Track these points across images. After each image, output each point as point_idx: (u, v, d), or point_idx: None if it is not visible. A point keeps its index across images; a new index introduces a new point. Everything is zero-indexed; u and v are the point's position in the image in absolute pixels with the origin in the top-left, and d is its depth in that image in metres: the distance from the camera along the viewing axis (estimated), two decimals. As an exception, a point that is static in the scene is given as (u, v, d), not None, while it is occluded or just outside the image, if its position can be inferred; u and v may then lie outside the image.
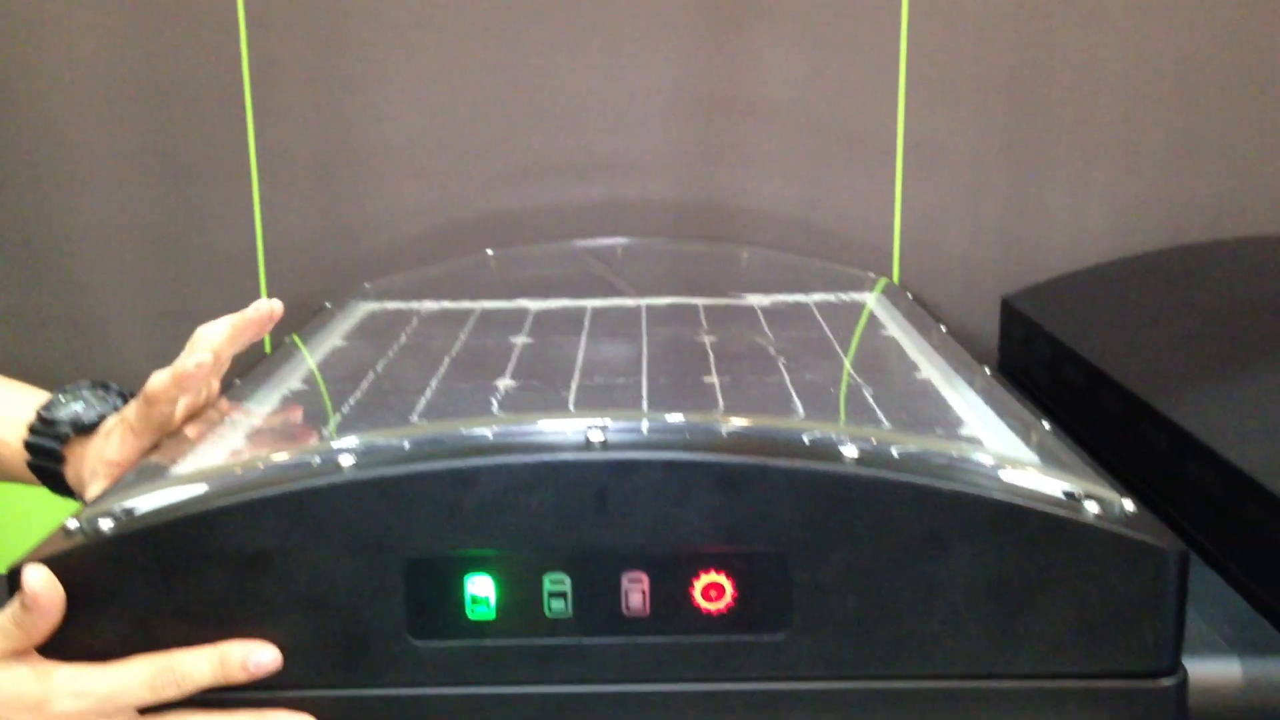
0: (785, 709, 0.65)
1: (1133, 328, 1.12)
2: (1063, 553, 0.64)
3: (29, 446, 0.84)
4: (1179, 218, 1.27)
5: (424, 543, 0.63)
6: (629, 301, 1.22)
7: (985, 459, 0.67)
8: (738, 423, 0.69)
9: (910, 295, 1.22)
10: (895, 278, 1.30)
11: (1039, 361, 1.18)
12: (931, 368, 0.96)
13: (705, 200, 1.31)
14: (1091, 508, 0.65)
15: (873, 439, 0.67)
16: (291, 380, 0.93)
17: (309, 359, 0.99)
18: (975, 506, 0.63)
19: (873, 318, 1.14)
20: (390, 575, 0.64)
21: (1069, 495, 0.66)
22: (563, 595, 0.64)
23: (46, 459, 0.84)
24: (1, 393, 0.90)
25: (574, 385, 0.82)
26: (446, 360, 0.93)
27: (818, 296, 1.22)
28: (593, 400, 0.78)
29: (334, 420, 0.78)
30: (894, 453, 0.66)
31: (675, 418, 0.69)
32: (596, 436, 0.65)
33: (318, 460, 0.66)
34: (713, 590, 0.64)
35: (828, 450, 0.65)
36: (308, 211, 1.29)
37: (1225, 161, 1.27)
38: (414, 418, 0.76)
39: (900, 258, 1.29)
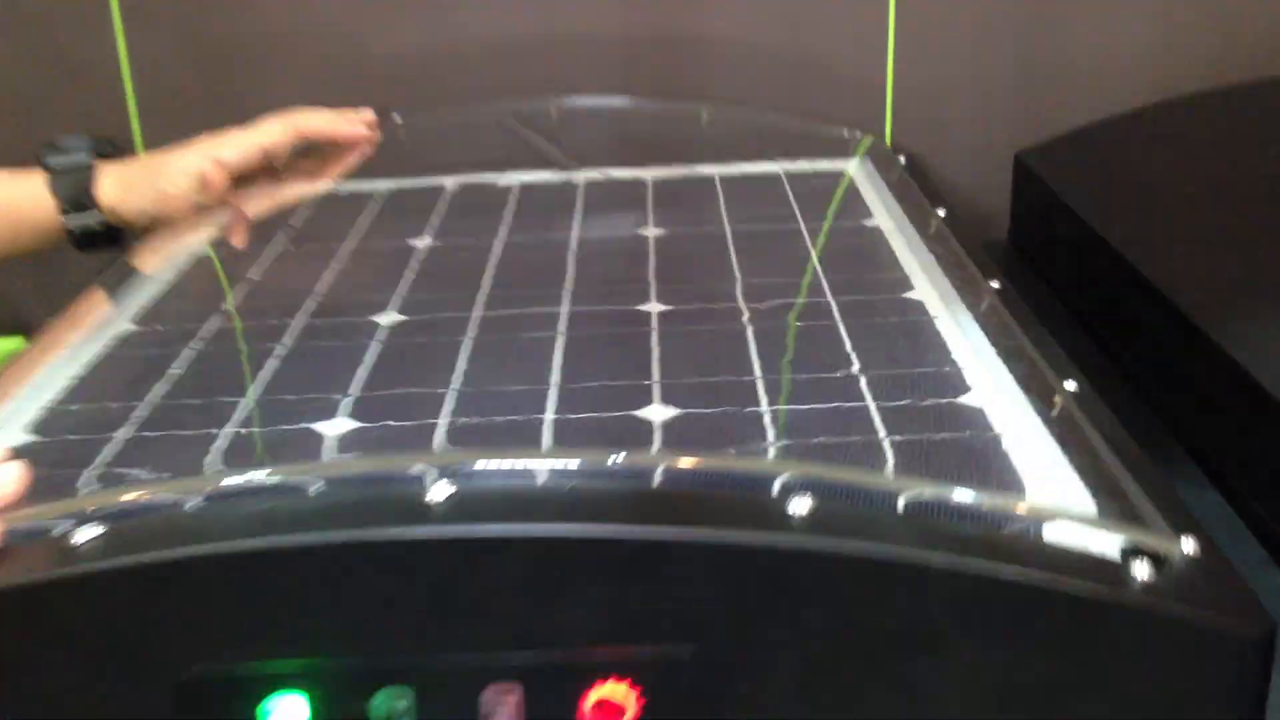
0: None
1: (1167, 200, 0.91)
2: (1100, 646, 0.45)
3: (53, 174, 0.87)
4: (1221, 55, 1.05)
5: (202, 656, 0.45)
6: (563, 177, 1.02)
7: (989, 505, 0.48)
8: (646, 469, 0.49)
9: (904, 159, 1.01)
10: (888, 133, 1.08)
11: (1054, 237, 0.98)
12: (925, 281, 0.76)
13: (661, 38, 1.09)
14: (1140, 571, 0.46)
15: (826, 477, 0.48)
16: (119, 322, 0.74)
17: (145, 289, 0.79)
18: (977, 589, 0.45)
19: (854, 195, 0.94)
20: (156, 702, 0.46)
21: (1110, 559, 0.47)
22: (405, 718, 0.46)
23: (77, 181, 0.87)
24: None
25: (453, 380, 0.62)
26: (304, 311, 0.73)
27: (790, 165, 1.01)
28: (475, 406, 0.58)
29: (101, 457, 0.57)
30: (859, 509, 0.47)
31: (563, 463, 0.49)
32: (441, 493, 0.46)
33: (56, 536, 0.47)
34: (609, 709, 0.46)
35: (768, 512, 0.46)
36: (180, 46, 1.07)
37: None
38: (213, 450, 0.56)
39: (894, 109, 1.08)
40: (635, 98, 1.08)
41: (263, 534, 0.45)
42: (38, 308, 0.90)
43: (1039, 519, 0.48)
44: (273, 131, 0.91)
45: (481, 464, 0.47)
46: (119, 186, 0.88)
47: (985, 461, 0.54)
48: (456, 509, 0.45)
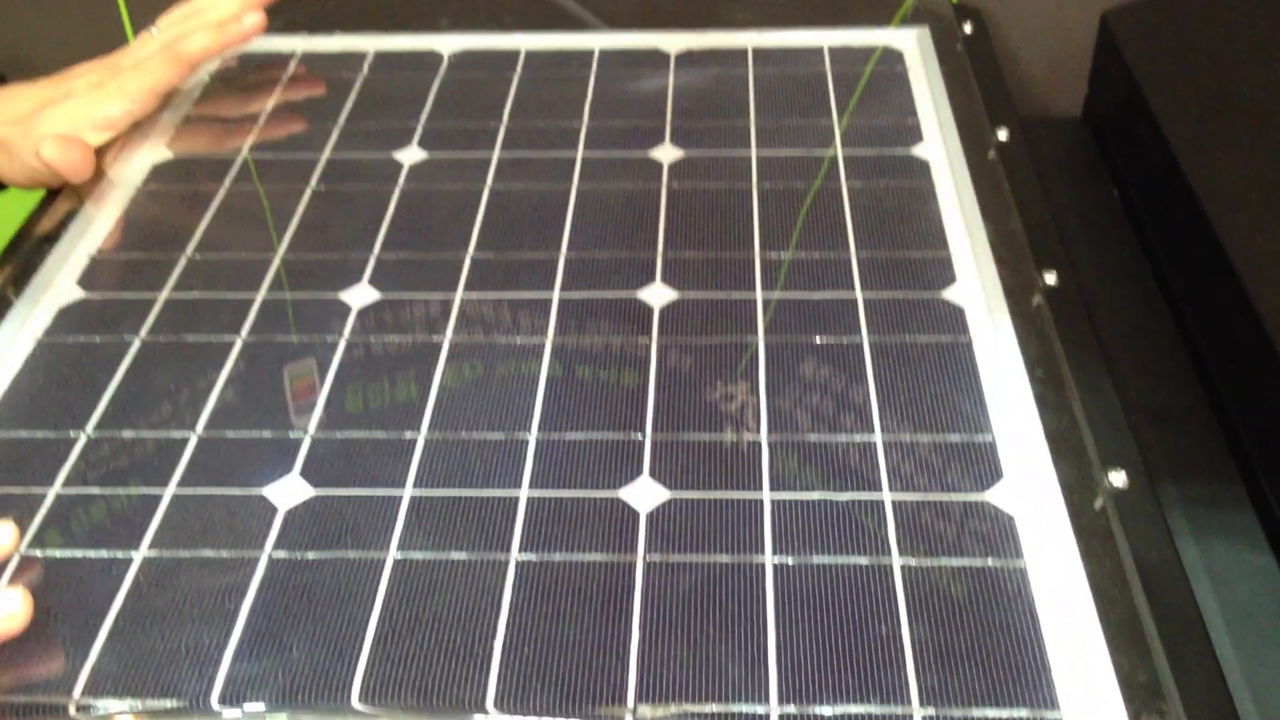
0: None
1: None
2: None
3: None
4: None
5: None
6: (576, 40, 0.89)
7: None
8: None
9: (968, 29, 0.87)
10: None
11: (1129, 130, 0.85)
12: (971, 265, 0.66)
13: None
14: None
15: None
16: (60, 289, 0.66)
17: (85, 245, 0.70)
18: None
19: (902, 88, 0.81)
20: None
21: None
22: None
23: None
24: None
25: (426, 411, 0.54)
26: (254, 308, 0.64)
27: (835, 35, 0.87)
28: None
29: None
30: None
31: None
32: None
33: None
34: None
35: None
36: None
37: None
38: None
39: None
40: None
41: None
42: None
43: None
44: (163, 73, 0.76)
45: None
46: None
47: (1006, 631, 0.47)
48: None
